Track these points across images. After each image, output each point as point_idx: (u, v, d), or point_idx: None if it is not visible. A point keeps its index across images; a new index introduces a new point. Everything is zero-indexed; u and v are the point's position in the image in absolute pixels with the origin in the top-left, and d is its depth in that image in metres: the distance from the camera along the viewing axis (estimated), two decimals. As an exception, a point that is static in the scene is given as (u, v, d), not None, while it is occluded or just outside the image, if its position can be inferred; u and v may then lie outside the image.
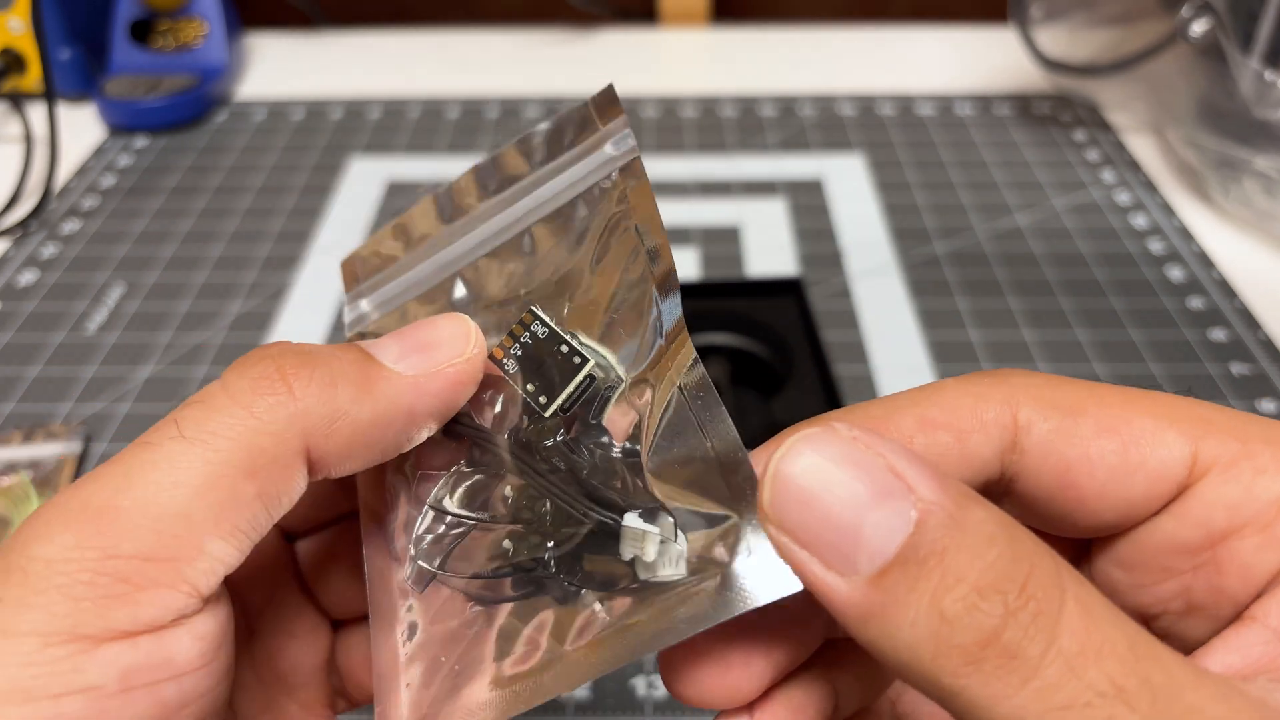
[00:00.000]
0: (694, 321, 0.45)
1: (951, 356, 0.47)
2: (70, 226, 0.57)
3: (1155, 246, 0.54)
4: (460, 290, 0.23)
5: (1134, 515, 0.17)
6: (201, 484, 0.17)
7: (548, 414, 0.20)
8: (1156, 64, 0.59)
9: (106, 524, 0.16)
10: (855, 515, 0.14)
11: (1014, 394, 0.17)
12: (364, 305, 0.24)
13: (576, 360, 0.20)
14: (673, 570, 0.17)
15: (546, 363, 0.20)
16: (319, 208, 0.58)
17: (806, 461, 0.15)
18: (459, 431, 0.21)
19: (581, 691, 0.34)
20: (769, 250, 0.54)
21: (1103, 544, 0.18)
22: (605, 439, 0.20)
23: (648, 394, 0.19)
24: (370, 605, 0.20)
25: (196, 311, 0.51)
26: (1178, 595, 0.17)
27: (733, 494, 0.18)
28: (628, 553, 0.18)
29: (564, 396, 0.20)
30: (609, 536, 0.18)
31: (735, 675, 0.17)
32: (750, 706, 0.17)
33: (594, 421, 0.20)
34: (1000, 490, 0.18)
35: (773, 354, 0.44)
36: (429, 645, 0.19)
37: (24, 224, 0.56)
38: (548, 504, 0.19)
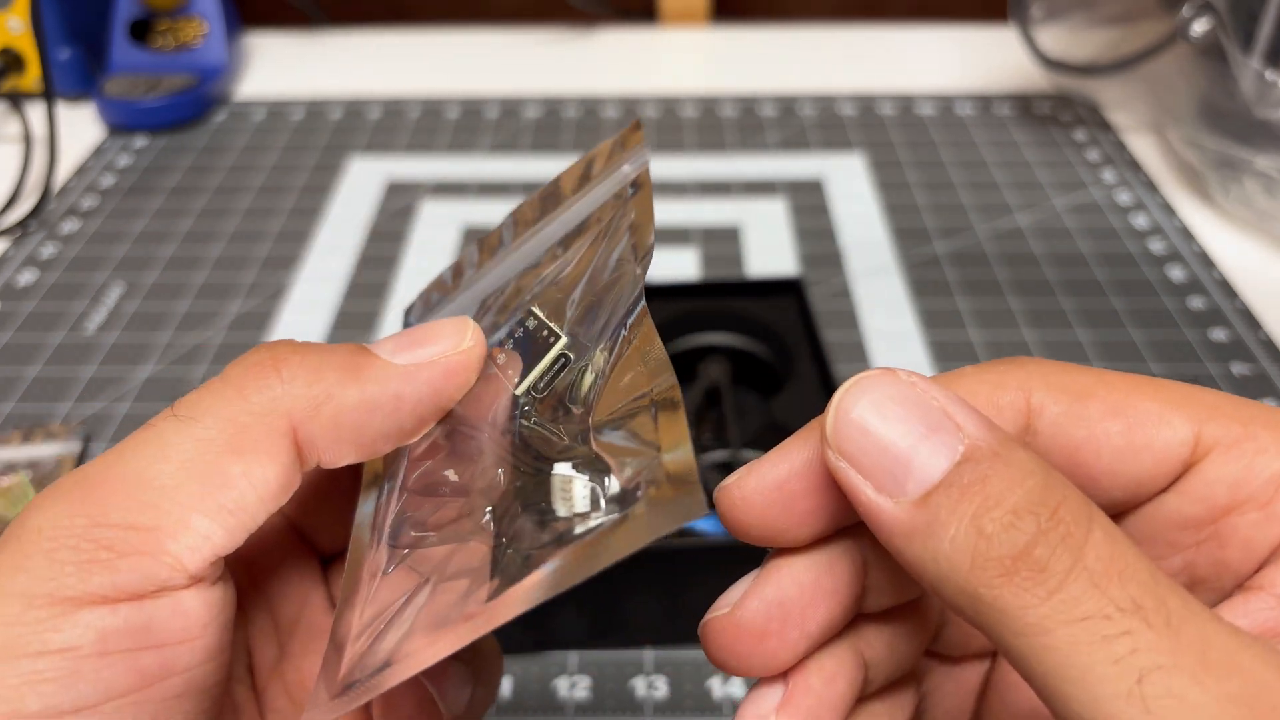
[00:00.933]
0: (694, 321, 0.45)
1: (952, 356, 0.47)
2: (69, 226, 0.57)
3: (1156, 246, 0.54)
4: (488, 316, 0.23)
5: (1141, 493, 0.18)
6: (187, 459, 0.17)
7: (518, 391, 0.21)
8: (1157, 64, 0.59)
9: (97, 494, 0.17)
10: (908, 445, 0.16)
11: (1028, 380, 0.18)
12: None
13: (552, 340, 0.21)
14: (604, 518, 0.18)
15: (533, 351, 0.21)
16: (318, 207, 0.58)
17: (869, 398, 0.16)
18: (448, 423, 0.21)
19: (581, 692, 0.34)
20: (769, 250, 0.54)
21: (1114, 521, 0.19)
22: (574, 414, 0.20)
23: (600, 359, 0.20)
24: (342, 590, 0.20)
25: (196, 311, 0.51)
26: (1182, 570, 0.18)
27: (659, 430, 0.18)
28: (559, 505, 0.18)
29: (536, 373, 0.21)
30: (543, 491, 0.19)
31: (772, 645, 0.18)
32: (785, 675, 0.18)
33: (570, 405, 0.20)
34: None
35: (773, 354, 0.44)
36: (376, 618, 0.19)
37: (23, 224, 0.56)
38: (500, 473, 0.20)
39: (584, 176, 0.24)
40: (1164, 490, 0.18)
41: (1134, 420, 0.18)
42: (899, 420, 0.16)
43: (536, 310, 0.21)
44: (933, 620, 0.21)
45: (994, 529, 0.15)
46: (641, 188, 0.22)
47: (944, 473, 0.15)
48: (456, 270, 0.25)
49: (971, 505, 0.15)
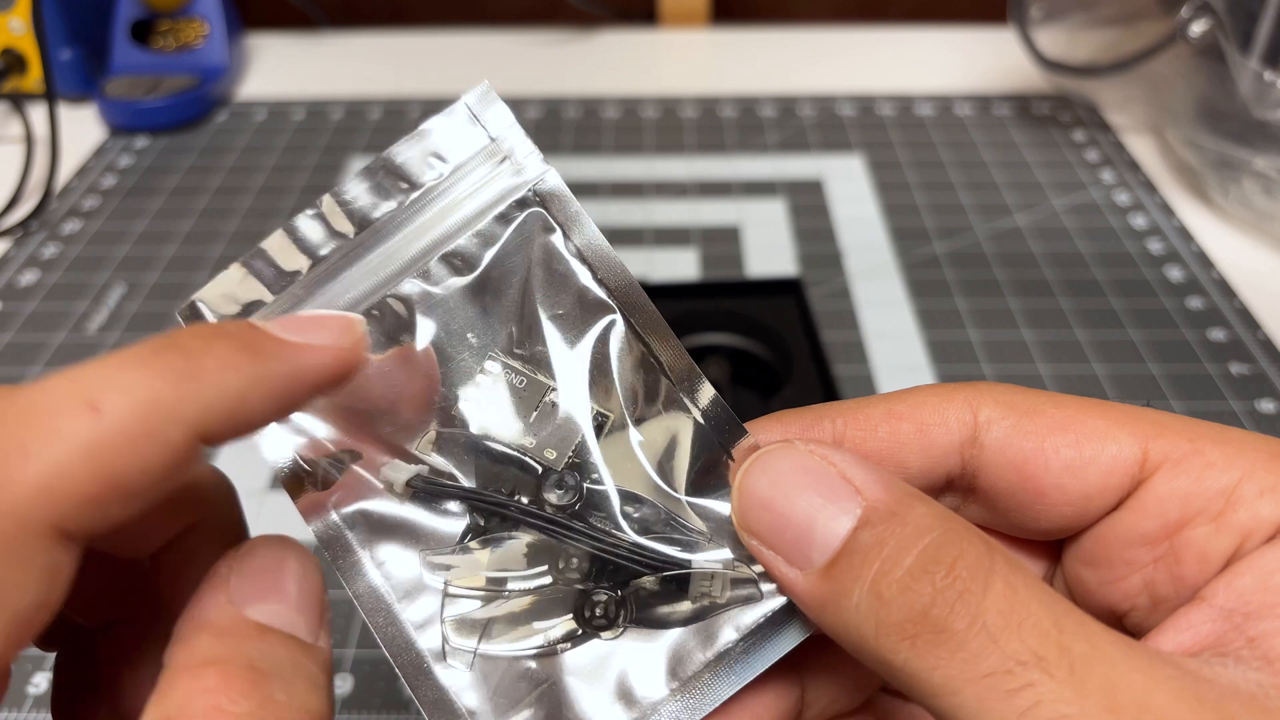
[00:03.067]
0: (694, 321, 0.45)
1: (951, 356, 0.47)
2: (71, 227, 0.57)
3: (1154, 246, 0.54)
4: (373, 331, 0.20)
5: (1090, 509, 0.18)
6: None
7: (561, 468, 0.20)
8: (1156, 64, 0.59)
9: None
10: (807, 517, 0.16)
11: (976, 396, 0.19)
12: None
13: (576, 413, 0.20)
14: (731, 599, 0.19)
15: (537, 413, 0.20)
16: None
17: (767, 475, 0.17)
18: (476, 504, 0.20)
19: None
20: (769, 250, 0.54)
21: (1070, 545, 0.19)
22: (600, 480, 0.20)
23: (658, 431, 0.20)
24: (423, 703, 0.19)
25: (197, 311, 0.51)
26: (1142, 589, 0.18)
27: None
28: (696, 594, 0.19)
29: (574, 449, 0.20)
30: (666, 579, 0.19)
31: None
32: None
33: (590, 460, 0.20)
34: (964, 487, 0.19)
35: (773, 354, 0.44)
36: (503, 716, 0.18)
37: (25, 224, 0.56)
38: (583, 559, 0.19)
39: (435, 159, 0.20)
40: (1116, 508, 0.18)
41: (1081, 435, 0.18)
42: (797, 491, 0.16)
43: (512, 363, 0.20)
44: None
45: (892, 593, 0.15)
46: (567, 204, 0.20)
47: (842, 540, 0.16)
48: (271, 266, 0.20)
49: (870, 570, 0.15)
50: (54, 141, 0.59)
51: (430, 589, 0.19)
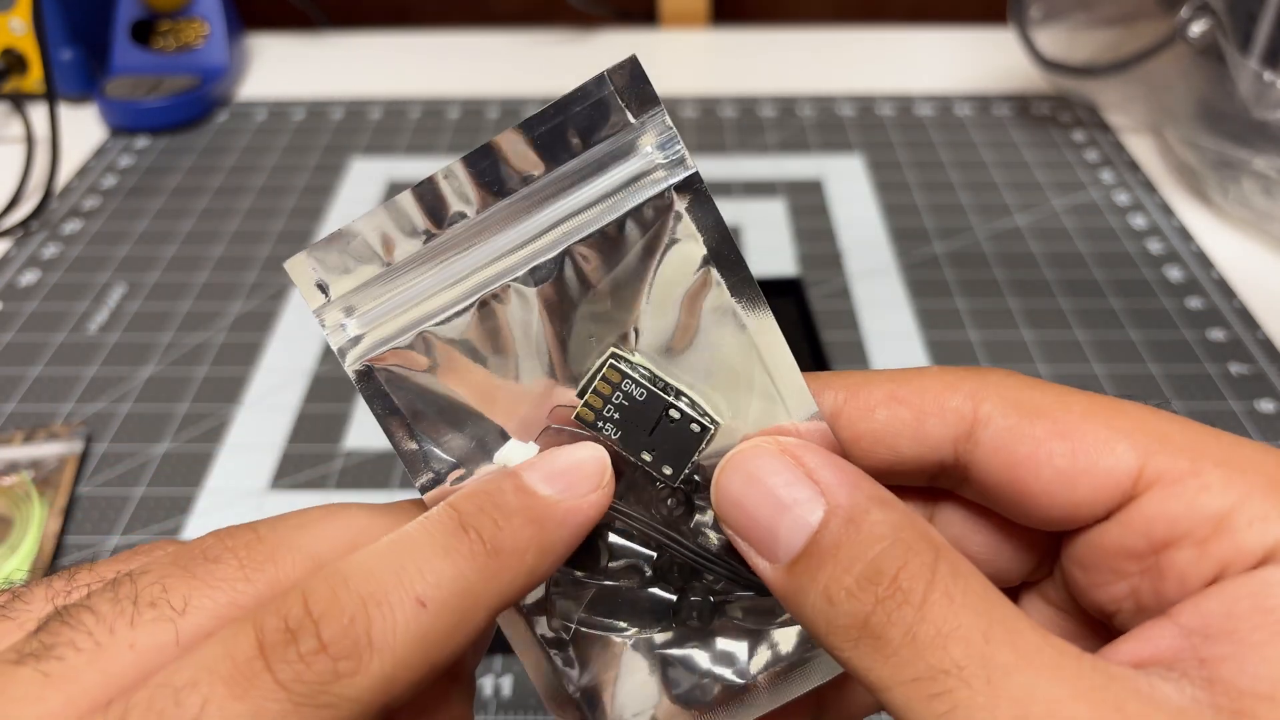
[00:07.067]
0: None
1: (951, 356, 0.47)
2: (71, 227, 0.57)
3: (1154, 247, 0.54)
4: (493, 318, 0.19)
5: (1079, 517, 0.18)
6: None
7: (676, 484, 0.20)
8: (1155, 64, 0.59)
9: None
10: (773, 516, 0.18)
11: (983, 388, 0.19)
12: (352, 328, 0.19)
13: (695, 428, 0.20)
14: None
15: (658, 427, 0.20)
16: (320, 208, 0.58)
17: (739, 474, 0.18)
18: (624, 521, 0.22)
19: (582, 690, 0.34)
20: (769, 250, 0.54)
21: (1066, 544, 0.19)
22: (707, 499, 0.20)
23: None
24: (527, 665, 0.21)
25: (198, 311, 0.51)
26: (1128, 596, 0.18)
27: None
28: (771, 613, 0.21)
29: (690, 465, 0.20)
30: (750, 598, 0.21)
31: None
32: None
33: (697, 479, 0.20)
34: (959, 475, 0.19)
35: (772, 354, 0.44)
36: (597, 689, 0.21)
37: (25, 224, 0.56)
38: (684, 567, 0.21)
39: (576, 140, 0.19)
40: (1107, 518, 0.18)
41: (1079, 444, 0.18)
42: (765, 492, 0.18)
43: (630, 371, 0.20)
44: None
45: (840, 598, 0.16)
46: (706, 211, 0.19)
47: (804, 542, 0.17)
48: (391, 232, 0.19)
49: (824, 575, 0.17)
50: (54, 142, 0.59)
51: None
